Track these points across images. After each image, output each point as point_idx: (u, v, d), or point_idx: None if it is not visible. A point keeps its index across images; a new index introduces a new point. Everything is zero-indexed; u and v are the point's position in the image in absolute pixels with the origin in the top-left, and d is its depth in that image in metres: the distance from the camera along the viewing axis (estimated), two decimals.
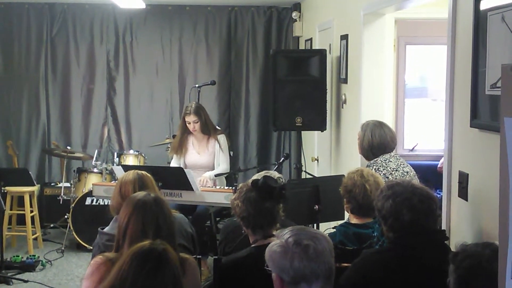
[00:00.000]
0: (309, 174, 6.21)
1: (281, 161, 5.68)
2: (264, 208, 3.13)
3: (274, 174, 3.90)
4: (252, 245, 3.16)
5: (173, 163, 6.27)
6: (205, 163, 6.19)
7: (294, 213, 3.89)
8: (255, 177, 3.86)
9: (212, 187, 5.88)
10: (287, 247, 2.37)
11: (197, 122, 6.08)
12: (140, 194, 3.11)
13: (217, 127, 6.59)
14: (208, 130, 6.17)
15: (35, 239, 7.13)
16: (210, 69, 8.65)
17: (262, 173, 3.87)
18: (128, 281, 2.30)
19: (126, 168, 5.04)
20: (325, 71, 5.97)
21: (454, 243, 2.45)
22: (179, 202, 5.55)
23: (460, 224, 3.25)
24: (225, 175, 6.20)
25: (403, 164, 4.31)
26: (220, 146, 6.17)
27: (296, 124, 5.97)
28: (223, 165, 6.17)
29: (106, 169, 7.27)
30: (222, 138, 6.24)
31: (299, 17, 8.31)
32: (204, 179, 5.86)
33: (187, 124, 6.13)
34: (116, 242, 2.97)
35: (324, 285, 2.36)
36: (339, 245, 3.33)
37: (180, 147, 6.22)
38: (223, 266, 3.14)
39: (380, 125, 4.47)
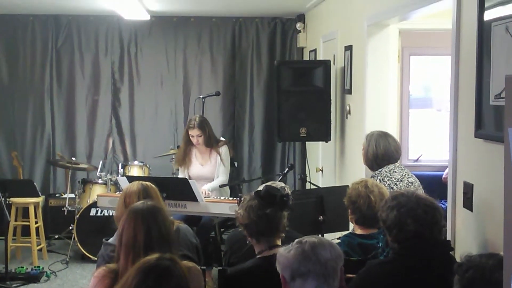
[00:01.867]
0: (313, 184, 6.21)
1: (285, 171, 5.67)
2: (265, 214, 3.13)
3: (279, 184, 3.90)
4: (257, 256, 3.16)
5: (180, 176, 6.26)
6: (208, 174, 6.19)
7: (298, 223, 3.88)
8: (260, 187, 3.87)
9: (214, 197, 5.88)
10: (290, 246, 2.45)
11: (201, 136, 6.09)
12: (138, 203, 3.12)
13: (222, 138, 6.59)
14: (211, 143, 6.17)
15: (40, 250, 7.13)
16: (215, 80, 8.67)
17: (269, 183, 3.88)
18: None
19: (131, 179, 5.04)
20: (329, 81, 5.98)
21: (459, 254, 2.45)
22: (184, 213, 5.55)
23: (465, 235, 3.24)
24: (225, 186, 6.19)
25: (408, 175, 4.30)
26: (221, 158, 6.17)
27: (301, 135, 5.97)
28: (221, 177, 6.16)
29: (111, 180, 7.27)
30: (224, 149, 6.23)
31: (303, 28, 8.33)
32: (204, 192, 5.84)
33: (191, 137, 6.14)
34: (116, 252, 2.98)
35: (319, 284, 2.36)
36: (343, 256, 3.32)
37: (184, 159, 6.23)
38: (228, 277, 3.14)
39: (384, 135, 4.47)
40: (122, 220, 3.00)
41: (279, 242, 3.15)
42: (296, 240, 2.47)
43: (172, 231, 3.07)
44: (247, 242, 3.31)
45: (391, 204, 2.91)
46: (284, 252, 2.44)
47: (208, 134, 6.12)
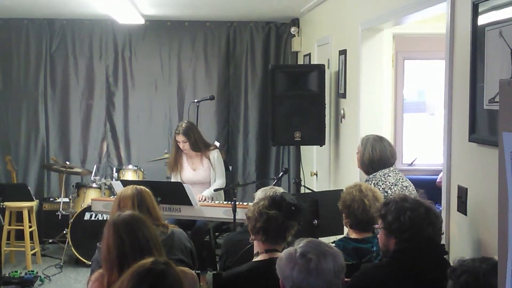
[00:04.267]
0: (308, 188, 6.21)
1: (280, 176, 5.67)
2: (266, 214, 3.13)
3: (280, 190, 3.90)
4: (253, 260, 3.16)
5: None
6: (202, 178, 6.18)
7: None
8: (259, 191, 3.87)
9: (209, 201, 5.87)
10: (292, 257, 2.42)
11: (186, 142, 6.08)
12: (115, 214, 3.12)
13: (216, 142, 6.58)
14: (199, 148, 6.16)
15: (34, 254, 7.11)
16: (209, 84, 8.67)
17: (268, 188, 3.88)
18: None
19: (125, 183, 5.04)
20: (324, 86, 5.98)
21: (453, 258, 2.45)
22: (178, 217, 5.55)
23: (459, 239, 3.25)
24: (222, 189, 6.18)
25: (402, 179, 4.30)
26: (212, 163, 6.16)
27: (295, 139, 5.97)
28: (219, 180, 6.15)
29: (105, 184, 7.26)
30: (214, 153, 6.21)
31: (298, 32, 8.34)
32: (202, 197, 5.84)
33: (177, 143, 6.15)
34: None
35: None
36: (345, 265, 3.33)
37: (176, 165, 6.22)
38: (224, 281, 3.13)
39: (380, 139, 4.46)
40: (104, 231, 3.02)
41: (277, 248, 3.13)
42: (300, 251, 2.44)
43: (155, 240, 3.04)
44: (250, 239, 3.29)
45: (399, 205, 2.89)
46: (288, 265, 2.42)
47: (194, 140, 6.10)
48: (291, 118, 5.95)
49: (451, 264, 2.46)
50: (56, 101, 8.54)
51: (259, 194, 3.82)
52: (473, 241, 3.06)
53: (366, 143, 4.45)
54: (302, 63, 8.11)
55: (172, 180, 6.28)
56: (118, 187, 5.38)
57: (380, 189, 4.10)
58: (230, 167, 7.75)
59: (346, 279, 2.94)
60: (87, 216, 6.98)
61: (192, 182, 6.08)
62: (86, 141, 8.60)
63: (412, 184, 4.32)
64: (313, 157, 7.16)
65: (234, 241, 3.89)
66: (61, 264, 6.98)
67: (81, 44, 8.51)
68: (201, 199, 5.81)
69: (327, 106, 6.12)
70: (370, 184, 4.03)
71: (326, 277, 2.37)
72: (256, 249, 3.19)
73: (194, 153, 6.19)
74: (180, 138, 6.08)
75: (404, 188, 4.21)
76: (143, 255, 2.80)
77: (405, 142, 7.20)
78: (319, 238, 4.20)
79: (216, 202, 5.88)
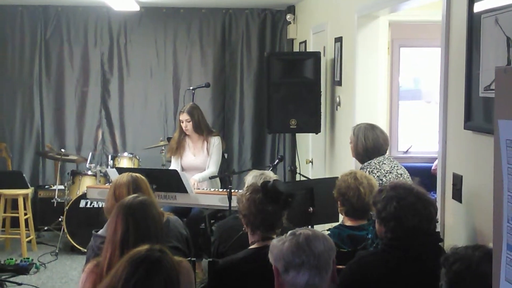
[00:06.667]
0: (303, 176, 6.21)
1: (275, 163, 5.68)
2: (265, 210, 3.12)
3: (270, 174, 3.90)
4: (249, 247, 3.17)
5: (173, 166, 6.24)
6: (201, 164, 6.16)
7: (288, 215, 3.89)
8: (250, 176, 3.87)
9: (204, 189, 5.87)
10: (284, 237, 2.46)
11: (189, 122, 6.08)
12: (127, 198, 3.13)
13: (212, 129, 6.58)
14: (201, 130, 6.15)
15: (29, 242, 7.10)
16: (205, 71, 8.65)
17: (258, 173, 3.88)
18: (118, 286, 2.31)
19: (120, 170, 5.02)
20: (319, 73, 5.98)
21: (448, 245, 2.46)
22: (174, 204, 5.54)
23: (455, 226, 3.26)
24: (214, 178, 6.18)
25: (397, 166, 4.31)
26: (210, 149, 6.15)
27: (291, 127, 5.97)
28: (211, 167, 6.13)
29: (100, 172, 7.25)
30: (214, 140, 6.20)
31: (294, 19, 8.32)
32: (194, 182, 5.83)
33: (181, 123, 6.14)
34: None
35: (312, 276, 2.37)
36: (336, 248, 3.33)
37: (178, 148, 6.21)
38: (219, 269, 3.14)
39: (371, 127, 4.45)
40: (111, 216, 3.03)
41: (273, 236, 3.14)
42: (290, 231, 2.47)
43: (159, 228, 3.06)
44: (243, 229, 3.29)
45: (389, 194, 2.88)
46: (278, 244, 2.44)
47: (197, 121, 6.10)
48: (286, 105, 5.95)
49: (446, 251, 2.46)
50: (51, 88, 8.51)
51: (250, 179, 3.83)
52: (468, 228, 3.07)
53: (358, 132, 4.43)
54: (298, 50, 8.10)
55: (172, 163, 6.26)
56: (113, 174, 5.37)
57: (375, 176, 4.10)
58: (226, 155, 7.73)
59: (341, 267, 2.95)
60: (82, 203, 6.98)
61: (191, 168, 6.09)
62: (81, 128, 8.59)
63: (407, 172, 4.33)
64: (308, 145, 7.16)
65: (227, 227, 3.91)
66: (57, 251, 6.99)
67: (76, 31, 8.47)
68: (193, 184, 5.80)
69: (322, 93, 6.12)
70: (365, 172, 4.03)
71: (317, 253, 2.38)
72: (252, 238, 3.19)
73: (196, 137, 6.17)
74: (184, 116, 6.08)
75: (399, 175, 4.22)
76: (148, 242, 2.81)
77: (400, 130, 7.21)
78: (315, 226, 4.23)
79: (212, 189, 5.88)
